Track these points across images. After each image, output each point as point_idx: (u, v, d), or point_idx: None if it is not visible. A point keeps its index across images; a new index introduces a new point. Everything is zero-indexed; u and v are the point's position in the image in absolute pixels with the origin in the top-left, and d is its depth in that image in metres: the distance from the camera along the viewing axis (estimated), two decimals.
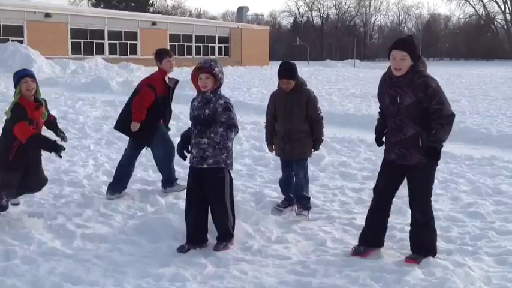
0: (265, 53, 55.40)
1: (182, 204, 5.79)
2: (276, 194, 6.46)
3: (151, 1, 75.02)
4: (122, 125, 6.46)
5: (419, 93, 4.24)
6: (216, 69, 4.61)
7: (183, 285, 3.98)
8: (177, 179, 6.65)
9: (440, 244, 4.73)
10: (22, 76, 5.25)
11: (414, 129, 4.34)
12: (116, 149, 8.98)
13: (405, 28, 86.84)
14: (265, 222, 5.32)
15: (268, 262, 4.48)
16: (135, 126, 6.25)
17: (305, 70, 39.55)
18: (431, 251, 4.48)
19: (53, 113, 14.25)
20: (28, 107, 5.21)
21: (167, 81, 6.44)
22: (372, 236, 4.67)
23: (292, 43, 66.52)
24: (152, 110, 6.27)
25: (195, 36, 49.21)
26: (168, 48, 9.67)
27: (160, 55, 6.37)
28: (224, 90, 19.36)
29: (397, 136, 4.41)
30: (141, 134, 6.31)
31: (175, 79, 6.64)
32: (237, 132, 4.78)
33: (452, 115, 4.28)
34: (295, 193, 5.89)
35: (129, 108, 6.35)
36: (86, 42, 40.38)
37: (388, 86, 4.43)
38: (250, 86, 22.70)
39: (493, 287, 4.01)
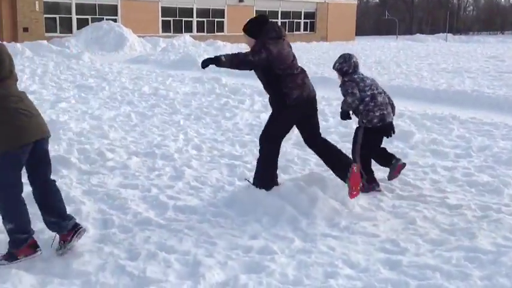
0: (351, 28, 54.09)
1: None
2: None
3: None
4: None
5: None
6: None
7: (272, 258, 4.02)
8: None
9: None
10: None
11: None
12: (204, 124, 9.19)
13: (502, 0, 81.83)
14: (354, 199, 5.25)
15: (356, 239, 4.44)
16: None
17: (393, 45, 38.40)
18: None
19: (145, 89, 14.59)
20: None
21: None
22: None
23: (380, 17, 64.48)
24: None
25: (281, 12, 48.97)
26: None
27: None
28: (309, 66, 18.94)
29: None
30: None
31: None
32: None
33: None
34: None
35: None
36: (176, 20, 41.29)
37: None
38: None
39: None
